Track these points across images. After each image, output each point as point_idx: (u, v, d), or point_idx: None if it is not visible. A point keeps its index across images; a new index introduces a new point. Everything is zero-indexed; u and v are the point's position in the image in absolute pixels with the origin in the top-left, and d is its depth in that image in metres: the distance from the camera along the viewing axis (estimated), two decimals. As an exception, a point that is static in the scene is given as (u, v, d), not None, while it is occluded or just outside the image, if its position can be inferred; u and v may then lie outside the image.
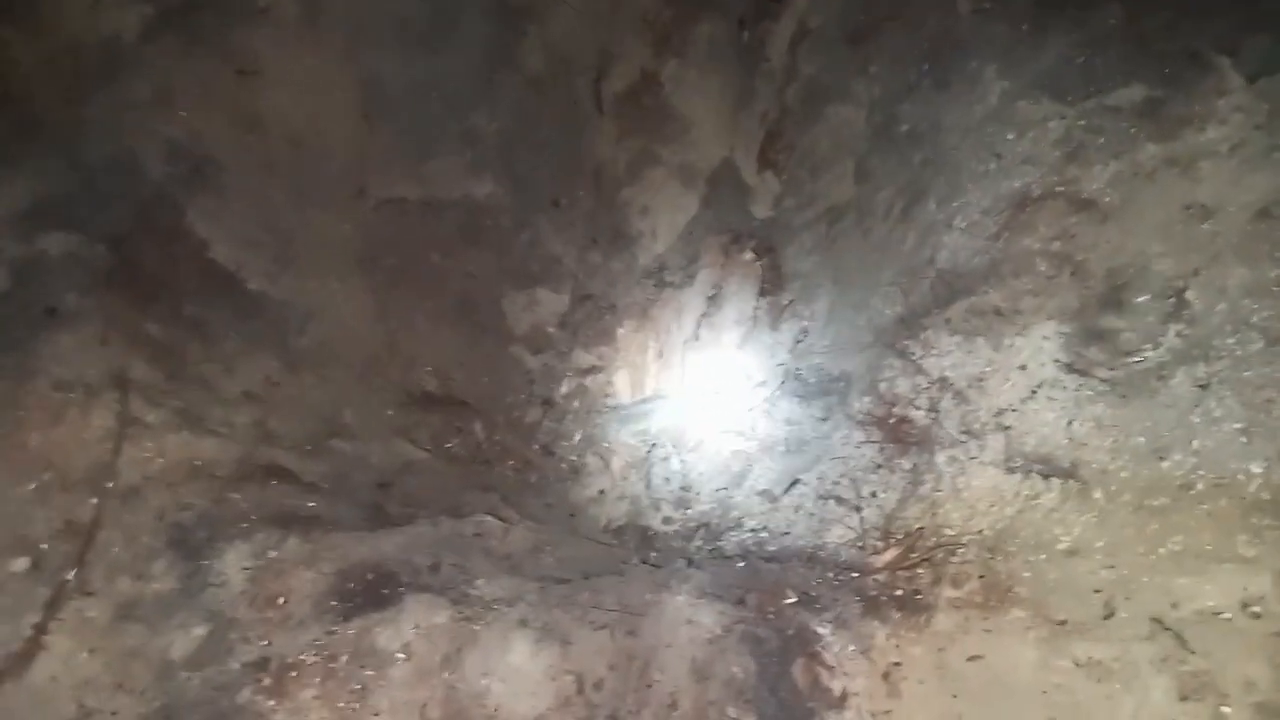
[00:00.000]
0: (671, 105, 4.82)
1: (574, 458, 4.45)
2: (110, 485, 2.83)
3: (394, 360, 4.15)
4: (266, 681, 2.50)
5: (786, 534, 3.42)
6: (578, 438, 4.51)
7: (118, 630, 2.57)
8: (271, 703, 2.46)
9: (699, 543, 3.77)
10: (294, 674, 2.51)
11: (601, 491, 4.32)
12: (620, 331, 4.73)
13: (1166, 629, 2.42)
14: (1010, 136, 3.53)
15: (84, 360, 3.05)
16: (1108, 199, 3.17)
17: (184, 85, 3.96)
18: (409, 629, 2.61)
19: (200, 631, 2.61)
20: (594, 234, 4.83)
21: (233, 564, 2.75)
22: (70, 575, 2.63)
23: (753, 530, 3.60)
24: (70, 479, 2.82)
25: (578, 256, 4.79)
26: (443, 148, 4.51)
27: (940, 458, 3.09)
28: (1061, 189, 3.28)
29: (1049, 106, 3.46)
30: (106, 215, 3.52)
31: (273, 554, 2.79)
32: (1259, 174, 2.88)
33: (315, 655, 2.55)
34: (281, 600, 2.69)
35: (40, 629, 2.52)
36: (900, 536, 3.00)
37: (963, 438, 3.06)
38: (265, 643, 2.58)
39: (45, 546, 2.68)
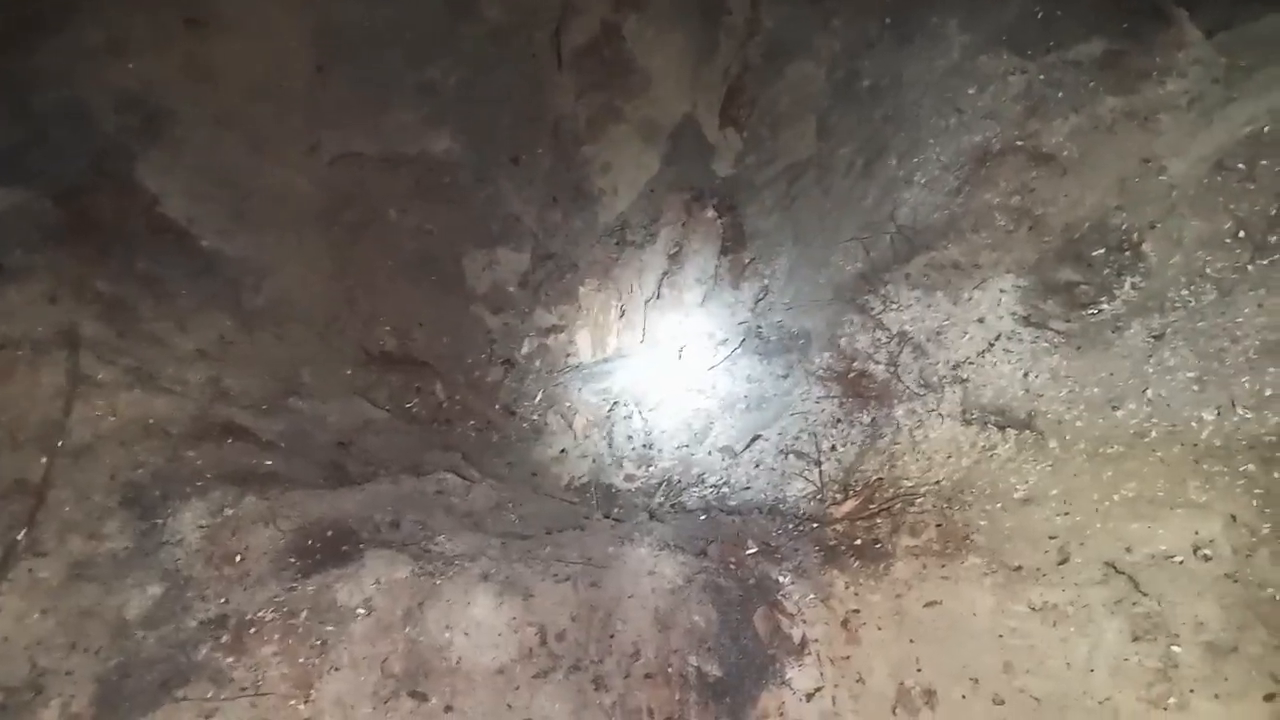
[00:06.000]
0: (633, 59, 4.76)
1: (536, 417, 4.43)
2: (61, 444, 2.77)
3: (352, 319, 4.09)
4: (225, 639, 2.47)
5: (747, 488, 3.44)
6: (539, 397, 4.49)
7: (71, 590, 2.53)
8: (230, 659, 2.43)
9: (661, 499, 3.78)
10: (253, 631, 2.48)
11: (563, 450, 4.31)
12: (582, 290, 4.70)
13: (1120, 573, 2.47)
14: (971, 91, 3.53)
15: (32, 317, 2.98)
16: (1067, 152, 3.19)
17: (135, 35, 3.84)
18: (370, 584, 2.59)
19: (156, 590, 2.57)
20: (554, 192, 4.78)
21: (188, 522, 2.71)
22: (21, 535, 2.58)
23: (714, 486, 3.62)
24: (19, 437, 2.76)
25: (538, 215, 4.75)
26: (399, 101, 4.43)
27: (899, 411, 3.11)
28: (1022, 143, 3.30)
29: (1010, 60, 3.47)
30: (55, 168, 3.43)
31: (229, 512, 2.75)
32: (1216, 127, 2.91)
33: (274, 612, 2.52)
34: (239, 558, 2.66)
35: (-10, 589, 2.48)
36: (859, 488, 3.03)
37: (921, 391, 3.09)
38: (223, 600, 2.55)
39: (-6, 506, 2.63)
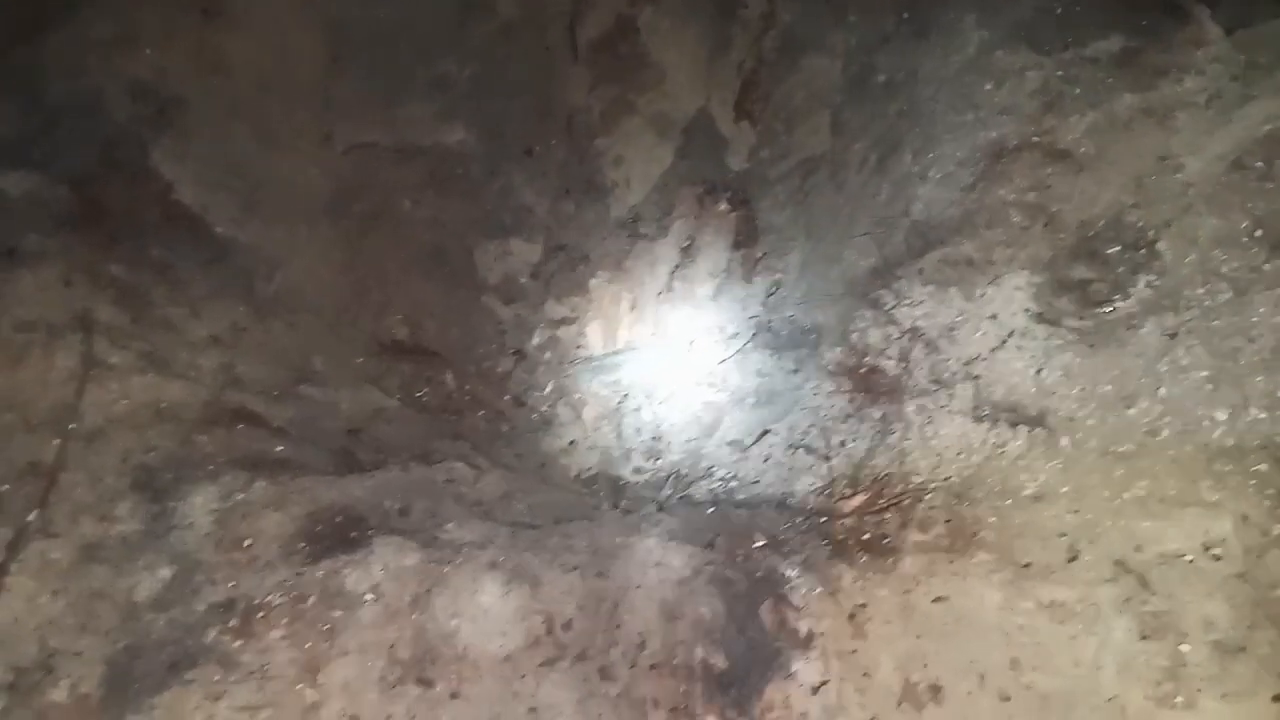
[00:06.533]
0: (647, 53, 4.76)
1: (545, 408, 4.44)
2: (74, 427, 2.78)
3: (364, 308, 4.11)
4: (233, 622, 2.48)
5: (756, 482, 3.43)
6: (549, 388, 4.49)
7: (81, 572, 2.55)
8: (239, 643, 2.44)
9: (669, 491, 3.78)
10: (261, 615, 2.49)
11: (573, 442, 4.31)
12: (593, 283, 4.70)
13: (1129, 571, 2.45)
14: (987, 87, 3.51)
15: (46, 301, 2.99)
16: (1083, 149, 3.17)
17: (148, 24, 3.86)
18: (378, 570, 2.59)
19: (166, 573, 2.58)
20: (567, 184, 4.79)
21: (199, 506, 2.72)
22: (32, 516, 2.59)
23: (723, 479, 3.61)
24: (32, 420, 2.77)
25: (551, 206, 4.75)
26: (412, 93, 4.45)
27: (909, 407, 3.10)
28: (1037, 140, 3.28)
29: (1027, 57, 3.45)
30: (69, 155, 3.44)
31: (240, 497, 2.77)
32: (1234, 125, 2.89)
33: (283, 596, 2.53)
34: (248, 542, 2.67)
35: (1, 570, 2.49)
36: (868, 483, 3.02)
37: (932, 387, 3.07)
38: (232, 584, 2.56)
39: (7, 487, 2.64)
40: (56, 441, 2.74)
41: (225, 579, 2.58)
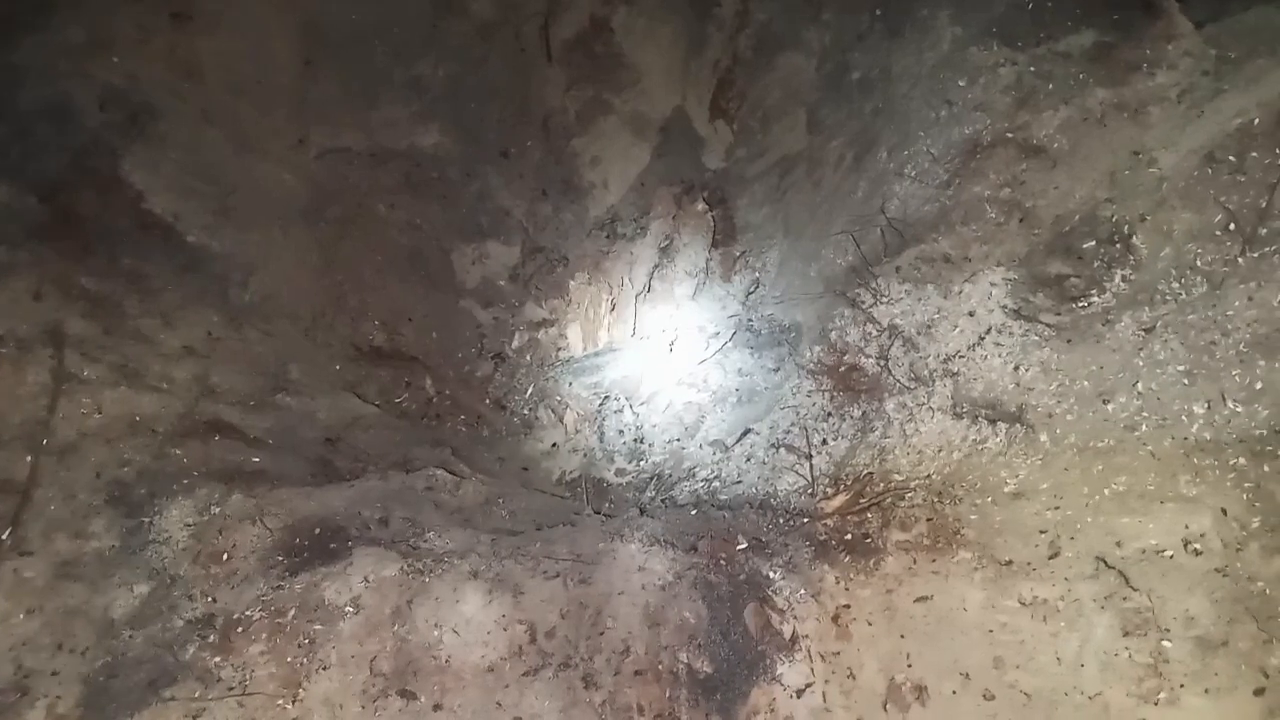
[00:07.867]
0: (622, 52, 4.75)
1: (526, 412, 4.43)
2: (46, 442, 2.75)
3: (341, 314, 4.08)
4: (213, 638, 2.45)
5: (738, 482, 3.43)
6: (530, 392, 4.48)
7: (57, 589, 2.51)
8: (218, 659, 2.42)
9: (651, 493, 3.78)
10: (240, 630, 2.47)
11: (554, 445, 4.30)
12: (572, 284, 4.70)
13: (1110, 567, 2.46)
14: (961, 83, 3.52)
15: (16, 314, 2.95)
16: (1057, 145, 3.19)
17: (119, 30, 3.81)
18: (358, 582, 2.57)
19: (143, 589, 2.55)
20: (544, 185, 4.77)
21: (175, 520, 2.69)
22: (6, 535, 2.56)
23: (705, 480, 3.61)
24: (4, 436, 2.74)
25: (528, 208, 4.74)
26: (387, 96, 4.42)
27: (890, 405, 3.10)
28: (1012, 135, 3.29)
29: (1000, 53, 3.46)
30: (38, 165, 3.40)
31: (216, 510, 2.74)
32: (1206, 119, 2.90)
33: (262, 611, 2.51)
34: (226, 556, 2.64)
35: (-25, 590, 2.47)
36: (850, 482, 3.02)
37: (911, 384, 3.08)
38: (210, 599, 2.54)
39: (-22, 506, 2.61)
40: (29, 458, 2.71)
41: (203, 594, 2.55)
